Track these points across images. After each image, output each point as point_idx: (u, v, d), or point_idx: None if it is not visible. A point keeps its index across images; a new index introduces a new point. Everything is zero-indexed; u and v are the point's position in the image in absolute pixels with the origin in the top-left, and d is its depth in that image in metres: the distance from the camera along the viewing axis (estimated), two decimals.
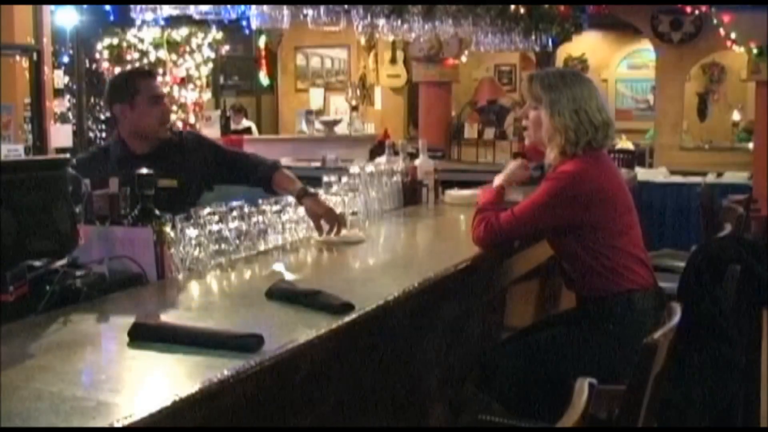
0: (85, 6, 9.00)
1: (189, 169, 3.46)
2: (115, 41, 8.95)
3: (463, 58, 10.09)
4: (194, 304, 2.24)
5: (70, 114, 8.98)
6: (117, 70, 8.93)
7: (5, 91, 7.27)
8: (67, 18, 9.02)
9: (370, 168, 3.76)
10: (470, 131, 11.37)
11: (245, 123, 11.31)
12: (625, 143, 10.49)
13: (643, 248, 2.89)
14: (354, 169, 3.68)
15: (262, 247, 2.77)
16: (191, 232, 2.47)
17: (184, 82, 9.14)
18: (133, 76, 3.64)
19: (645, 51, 12.15)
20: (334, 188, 3.38)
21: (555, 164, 2.91)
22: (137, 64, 8.92)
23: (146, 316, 1.93)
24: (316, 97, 12.70)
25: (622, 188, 2.89)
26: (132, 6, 5.66)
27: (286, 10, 5.31)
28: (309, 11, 5.32)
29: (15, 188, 2.01)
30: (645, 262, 2.86)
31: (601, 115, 2.83)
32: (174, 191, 3.26)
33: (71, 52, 9.55)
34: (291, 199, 3.04)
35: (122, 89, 3.42)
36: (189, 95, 9.21)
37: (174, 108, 9.10)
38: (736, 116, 11.96)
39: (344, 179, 3.50)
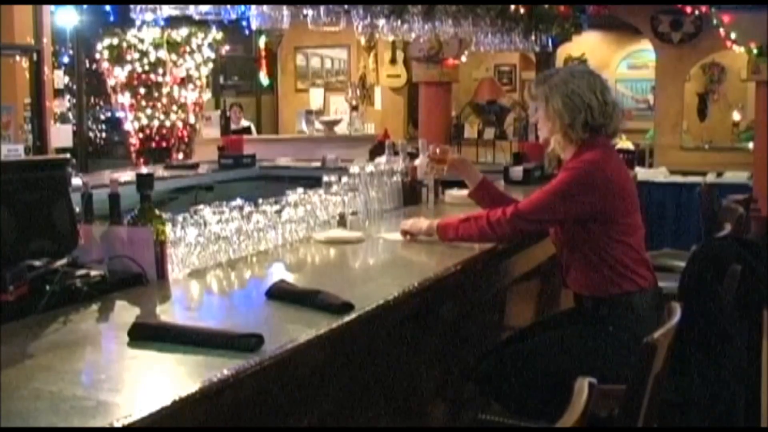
0: (85, 6, 8.99)
1: None
2: (115, 41, 8.95)
3: (463, 58, 10.07)
4: (194, 304, 2.24)
5: (70, 114, 8.98)
6: (117, 70, 8.95)
7: (5, 91, 7.27)
8: (67, 18, 9.02)
9: (370, 168, 3.76)
10: (470, 131, 11.37)
11: (244, 123, 11.31)
12: (625, 143, 10.46)
13: (645, 249, 2.89)
14: (354, 169, 3.68)
15: (262, 247, 2.77)
16: (191, 232, 2.48)
17: (184, 82, 9.14)
18: None
19: (645, 51, 12.13)
20: (334, 188, 3.38)
21: (560, 152, 2.93)
22: (137, 65, 8.92)
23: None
24: (316, 97, 12.69)
25: (632, 186, 2.92)
26: (132, 6, 5.64)
27: (286, 11, 5.29)
28: (309, 11, 5.31)
29: (15, 188, 2.02)
30: (648, 262, 2.87)
31: (596, 96, 2.83)
32: None
33: (71, 52, 9.56)
34: (291, 198, 3.04)
35: None
36: (189, 95, 9.20)
37: (174, 108, 9.11)
38: (736, 116, 11.93)
39: (344, 179, 3.50)
